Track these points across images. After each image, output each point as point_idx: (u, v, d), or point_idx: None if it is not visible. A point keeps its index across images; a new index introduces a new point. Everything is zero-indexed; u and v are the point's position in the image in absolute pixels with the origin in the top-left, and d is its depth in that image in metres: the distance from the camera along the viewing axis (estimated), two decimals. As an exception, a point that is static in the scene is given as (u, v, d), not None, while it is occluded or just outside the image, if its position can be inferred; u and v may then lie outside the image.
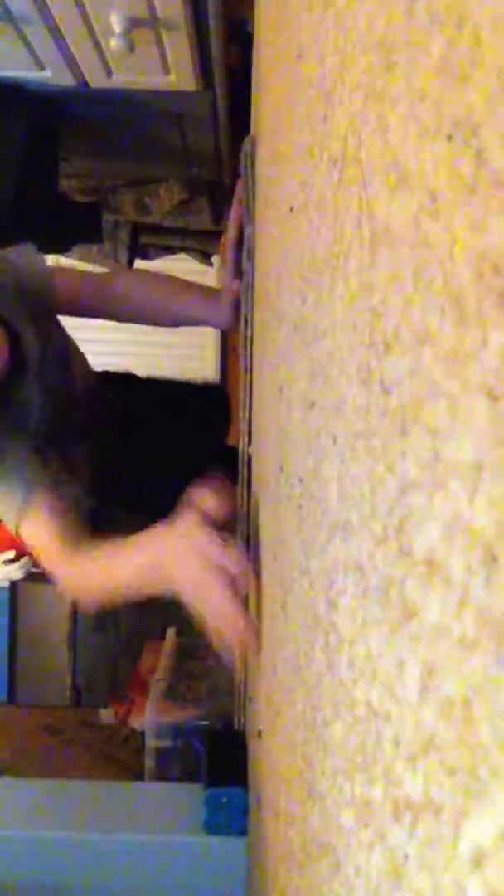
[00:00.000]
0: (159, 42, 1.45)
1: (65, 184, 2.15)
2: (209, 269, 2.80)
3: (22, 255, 1.12)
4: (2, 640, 2.72)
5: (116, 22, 1.35)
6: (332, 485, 0.36)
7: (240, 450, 1.19)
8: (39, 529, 0.99)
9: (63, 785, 1.30)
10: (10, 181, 1.66)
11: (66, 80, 1.61)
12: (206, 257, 2.69)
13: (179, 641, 1.70)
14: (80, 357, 1.23)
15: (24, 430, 1.03)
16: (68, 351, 1.18)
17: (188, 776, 1.35)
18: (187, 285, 1.26)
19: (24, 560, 2.56)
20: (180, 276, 1.35)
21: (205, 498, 0.80)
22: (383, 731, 0.25)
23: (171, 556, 0.77)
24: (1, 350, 1.01)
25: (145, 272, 1.34)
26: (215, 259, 2.75)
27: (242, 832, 1.06)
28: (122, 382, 1.36)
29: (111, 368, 1.39)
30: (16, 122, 1.65)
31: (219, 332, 2.78)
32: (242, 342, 1.23)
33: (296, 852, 0.47)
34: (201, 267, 2.84)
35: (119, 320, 1.25)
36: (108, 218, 2.24)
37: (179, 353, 2.79)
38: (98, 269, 2.52)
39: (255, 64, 1.33)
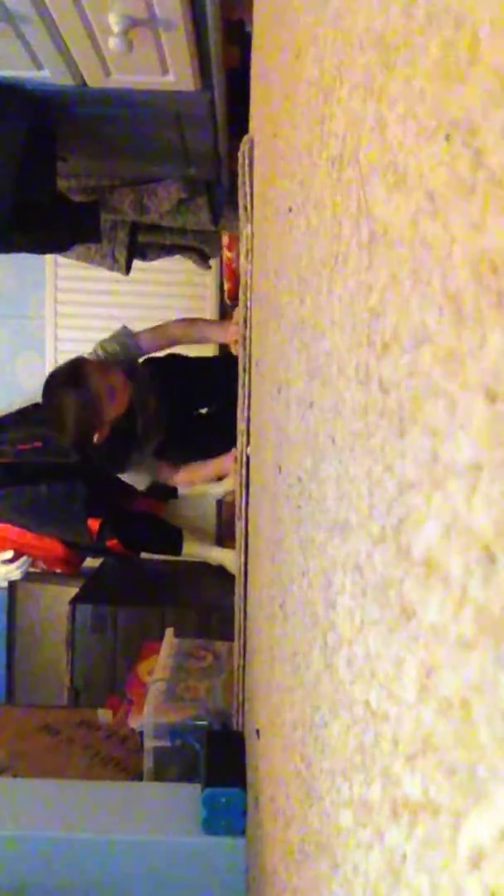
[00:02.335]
0: (158, 42, 1.45)
1: (63, 184, 2.14)
2: (206, 269, 2.80)
3: (116, 339, 2.00)
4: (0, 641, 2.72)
5: (115, 22, 1.35)
6: (330, 485, 0.36)
7: (239, 451, 1.21)
8: (167, 472, 2.11)
9: (61, 785, 1.29)
10: (9, 181, 1.66)
11: (65, 79, 1.61)
12: (203, 259, 2.69)
13: (178, 642, 1.70)
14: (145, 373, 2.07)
15: (140, 446, 2.01)
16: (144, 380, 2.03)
17: (187, 776, 1.35)
18: (206, 322, 2.27)
19: (23, 560, 2.55)
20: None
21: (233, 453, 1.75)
22: (382, 731, 0.25)
23: (225, 465, 1.99)
24: (123, 402, 1.89)
25: (185, 322, 2.10)
26: (213, 262, 2.75)
27: (241, 832, 1.05)
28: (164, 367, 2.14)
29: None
30: (14, 121, 1.65)
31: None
32: (242, 342, 1.24)
33: (294, 852, 0.47)
34: (199, 268, 2.84)
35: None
36: (106, 218, 2.24)
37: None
38: (97, 269, 2.54)
39: (254, 64, 1.33)
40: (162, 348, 2.07)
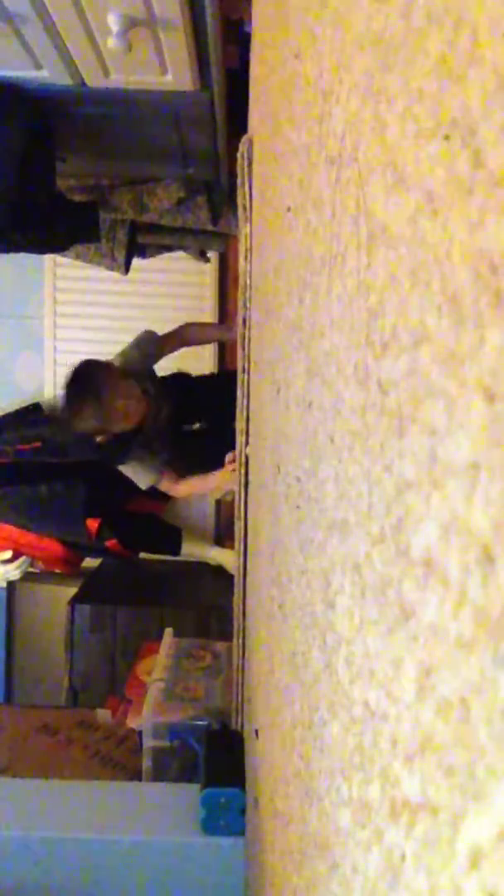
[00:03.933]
0: (157, 42, 1.44)
1: (62, 183, 2.14)
2: (205, 262, 2.81)
3: (138, 345, 2.11)
4: (-1, 641, 2.72)
5: (114, 21, 1.34)
6: (329, 485, 0.36)
7: (238, 451, 1.21)
8: (169, 480, 2.10)
9: (60, 785, 1.29)
10: (8, 181, 1.65)
11: (64, 79, 1.61)
12: (202, 255, 2.69)
13: (177, 642, 1.70)
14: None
15: (147, 444, 2.06)
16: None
17: (186, 776, 1.35)
18: (214, 325, 2.65)
19: (22, 560, 2.55)
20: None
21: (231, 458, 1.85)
22: (381, 731, 0.25)
23: (224, 476, 1.97)
24: (136, 420, 1.97)
25: (196, 325, 2.36)
26: (212, 254, 2.76)
27: (240, 832, 1.05)
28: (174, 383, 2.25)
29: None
30: (13, 121, 1.65)
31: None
32: (241, 343, 1.24)
33: (293, 852, 0.47)
34: (199, 266, 2.84)
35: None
36: (105, 217, 2.24)
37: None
38: (96, 269, 2.54)
39: (253, 63, 1.33)
40: (175, 349, 2.20)
